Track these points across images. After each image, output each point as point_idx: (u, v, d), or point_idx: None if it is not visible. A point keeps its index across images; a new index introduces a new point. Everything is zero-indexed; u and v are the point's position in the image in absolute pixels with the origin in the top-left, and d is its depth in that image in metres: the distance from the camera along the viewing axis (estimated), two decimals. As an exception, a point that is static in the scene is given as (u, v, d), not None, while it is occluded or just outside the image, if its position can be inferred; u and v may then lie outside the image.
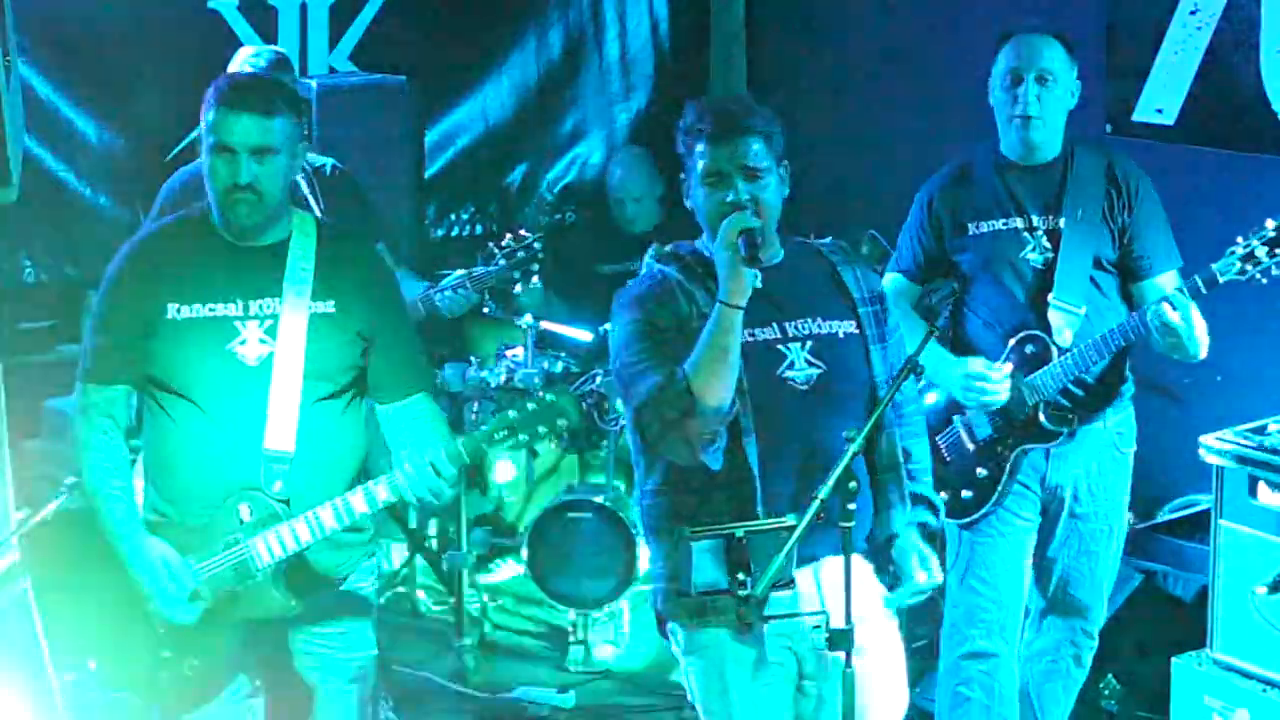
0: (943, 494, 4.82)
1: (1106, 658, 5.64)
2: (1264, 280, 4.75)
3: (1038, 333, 4.96)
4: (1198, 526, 5.81)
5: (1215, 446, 5.12)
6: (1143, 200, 5.01)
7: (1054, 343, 4.94)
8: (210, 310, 4.09)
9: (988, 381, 4.93)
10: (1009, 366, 4.94)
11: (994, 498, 5.02)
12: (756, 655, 4.06)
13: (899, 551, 4.15)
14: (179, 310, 4.09)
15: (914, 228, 5.11)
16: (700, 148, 4.09)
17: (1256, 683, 5.04)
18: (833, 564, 3.96)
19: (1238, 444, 5.09)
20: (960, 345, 5.05)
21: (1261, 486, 5.03)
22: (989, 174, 5.03)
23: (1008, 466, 5.01)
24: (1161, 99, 6.34)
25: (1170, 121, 6.33)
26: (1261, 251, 4.71)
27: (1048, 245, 4.96)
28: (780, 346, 4.10)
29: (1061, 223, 4.95)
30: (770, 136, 4.11)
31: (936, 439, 5.02)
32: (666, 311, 4.08)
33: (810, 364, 4.09)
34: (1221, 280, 4.76)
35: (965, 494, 5.04)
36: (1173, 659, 5.28)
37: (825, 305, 4.18)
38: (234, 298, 4.10)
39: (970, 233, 5.00)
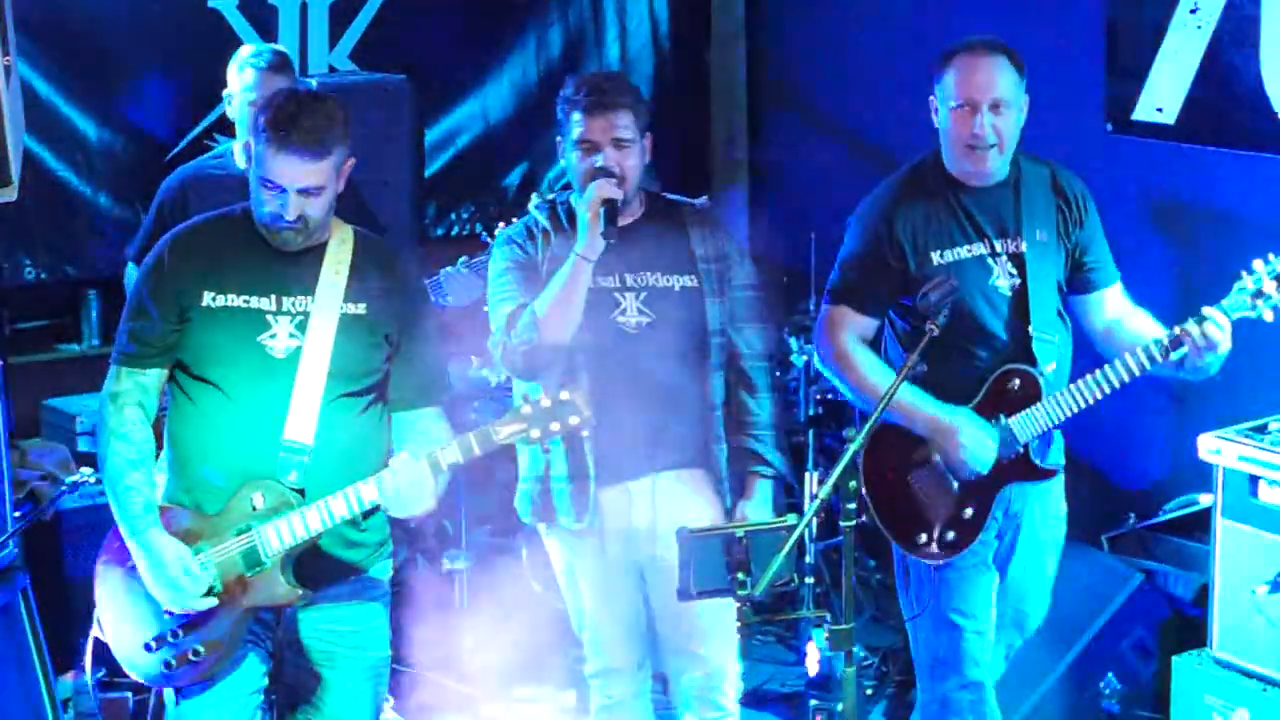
0: (922, 536, 4.77)
1: (1106, 658, 5.64)
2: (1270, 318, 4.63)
3: (1022, 367, 4.74)
4: (1198, 526, 5.81)
5: (1215, 446, 5.13)
6: (1089, 212, 4.87)
7: (1042, 376, 4.74)
8: (245, 301, 4.19)
9: (978, 448, 4.69)
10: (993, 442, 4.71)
11: (980, 536, 4.80)
12: (600, 551, 4.80)
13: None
14: (214, 298, 4.18)
15: (869, 258, 4.79)
16: (576, 117, 4.64)
17: (1256, 682, 5.05)
18: (669, 479, 4.74)
19: (1238, 442, 5.09)
20: (933, 384, 4.69)
21: (1262, 486, 5.04)
22: (944, 195, 4.79)
23: (993, 505, 4.79)
24: (1161, 99, 6.33)
25: (1170, 121, 6.32)
26: (1271, 286, 4.60)
27: (1013, 271, 4.76)
28: (617, 294, 4.68)
29: (1023, 246, 4.77)
30: (637, 111, 4.67)
31: (909, 477, 4.77)
32: (525, 252, 4.72)
33: (641, 313, 4.68)
34: (1234, 319, 4.62)
35: (950, 535, 4.78)
36: (1173, 659, 5.29)
37: (668, 261, 4.72)
38: (269, 292, 4.19)
39: (935, 262, 4.73)
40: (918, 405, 4.69)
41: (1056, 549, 5.01)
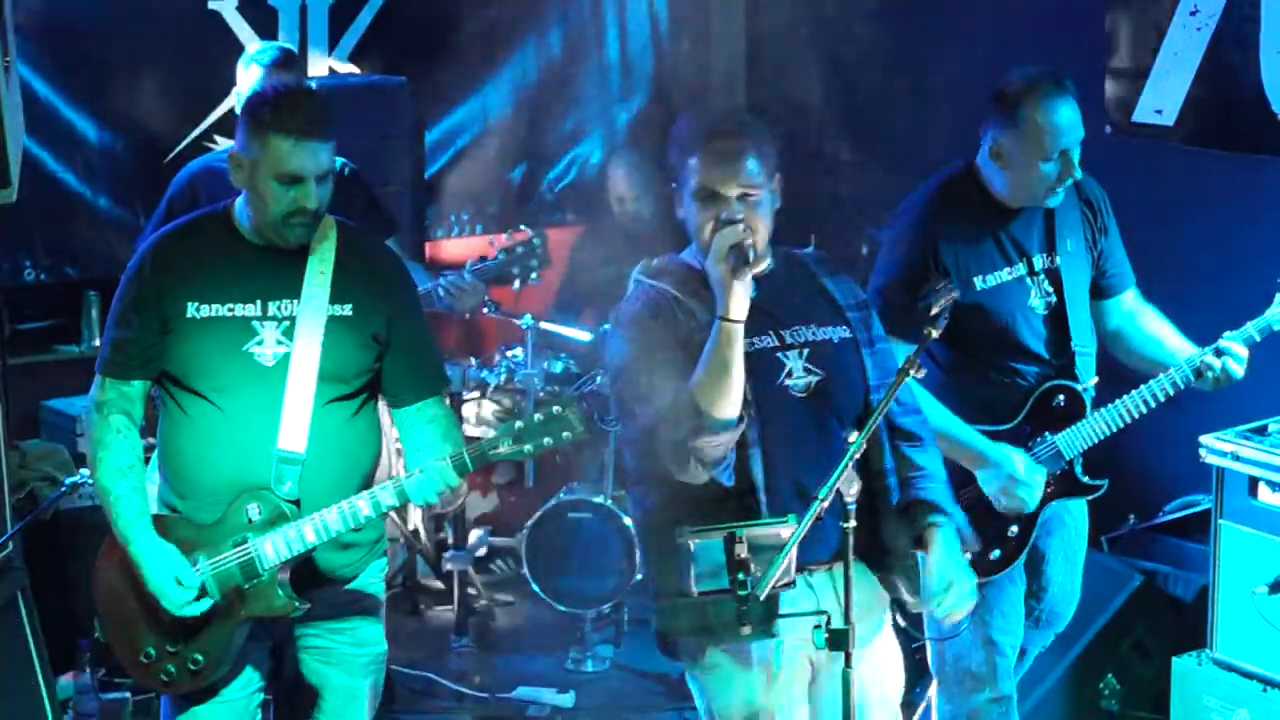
0: (966, 554, 4.59)
1: (1106, 658, 5.65)
2: None
3: (1065, 383, 4.75)
4: (1198, 526, 5.82)
5: (1215, 446, 5.13)
6: (1109, 216, 4.88)
7: (1086, 391, 4.76)
8: (230, 310, 4.12)
9: (1031, 490, 4.68)
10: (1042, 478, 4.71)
11: (1024, 553, 4.79)
12: (765, 673, 4.04)
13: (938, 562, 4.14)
14: (199, 309, 4.12)
15: (914, 284, 4.48)
16: (693, 164, 4.04)
17: (1256, 683, 5.05)
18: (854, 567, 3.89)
19: (1238, 444, 5.09)
20: (977, 404, 4.68)
21: (1261, 487, 5.04)
22: (984, 217, 4.72)
23: (1037, 521, 4.78)
24: (1161, 99, 6.33)
25: (1170, 122, 6.32)
26: None
27: (1049, 289, 4.75)
28: (779, 355, 4.09)
29: (1057, 260, 4.75)
30: (763, 154, 4.05)
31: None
32: (666, 329, 4.03)
33: (809, 371, 4.09)
34: (1277, 329, 4.74)
35: (994, 554, 4.75)
36: (1173, 659, 5.29)
37: (818, 312, 4.17)
38: (254, 298, 4.13)
39: (978, 288, 4.68)
40: (966, 441, 4.65)
41: (1084, 538, 5.03)
